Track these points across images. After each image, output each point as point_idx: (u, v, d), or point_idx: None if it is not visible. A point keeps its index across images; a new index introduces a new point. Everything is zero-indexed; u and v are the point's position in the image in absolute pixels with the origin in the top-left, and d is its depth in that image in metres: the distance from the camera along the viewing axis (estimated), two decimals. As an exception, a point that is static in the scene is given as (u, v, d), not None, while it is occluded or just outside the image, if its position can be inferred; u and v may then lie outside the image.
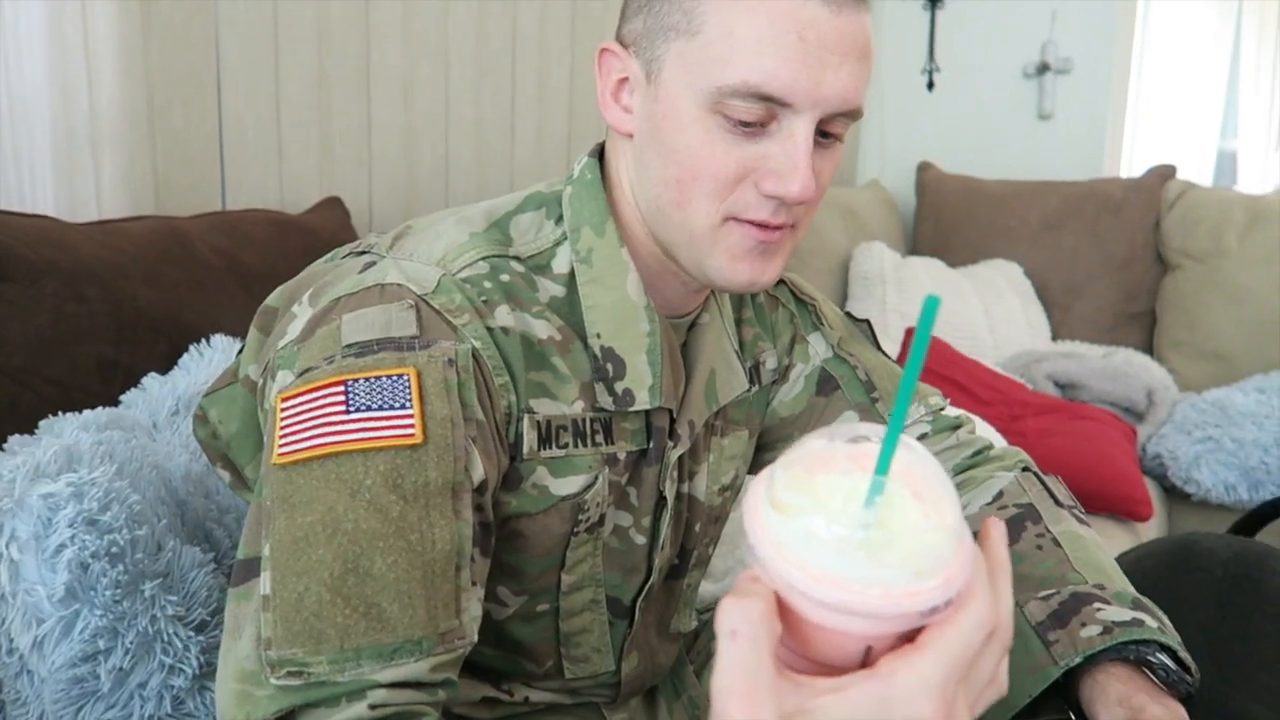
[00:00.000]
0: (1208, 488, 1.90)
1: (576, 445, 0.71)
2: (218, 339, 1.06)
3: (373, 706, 0.54)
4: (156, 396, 0.93)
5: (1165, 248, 2.45)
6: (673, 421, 0.77)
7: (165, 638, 0.71)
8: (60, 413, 0.88)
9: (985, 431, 1.56)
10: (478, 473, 0.61)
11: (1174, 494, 1.99)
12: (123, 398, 0.94)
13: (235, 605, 0.59)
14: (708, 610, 1.02)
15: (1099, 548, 0.79)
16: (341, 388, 0.59)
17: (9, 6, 1.18)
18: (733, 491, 0.87)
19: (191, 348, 1.05)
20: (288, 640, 0.54)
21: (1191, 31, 3.99)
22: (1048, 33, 2.74)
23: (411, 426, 0.59)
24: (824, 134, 0.68)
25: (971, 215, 2.65)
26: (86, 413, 0.83)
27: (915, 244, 2.75)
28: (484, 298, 0.67)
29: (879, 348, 0.94)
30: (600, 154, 0.76)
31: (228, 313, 1.18)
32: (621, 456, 0.74)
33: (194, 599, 0.74)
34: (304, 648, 0.54)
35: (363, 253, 0.73)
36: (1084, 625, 0.67)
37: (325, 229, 1.49)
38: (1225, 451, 1.90)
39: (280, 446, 0.59)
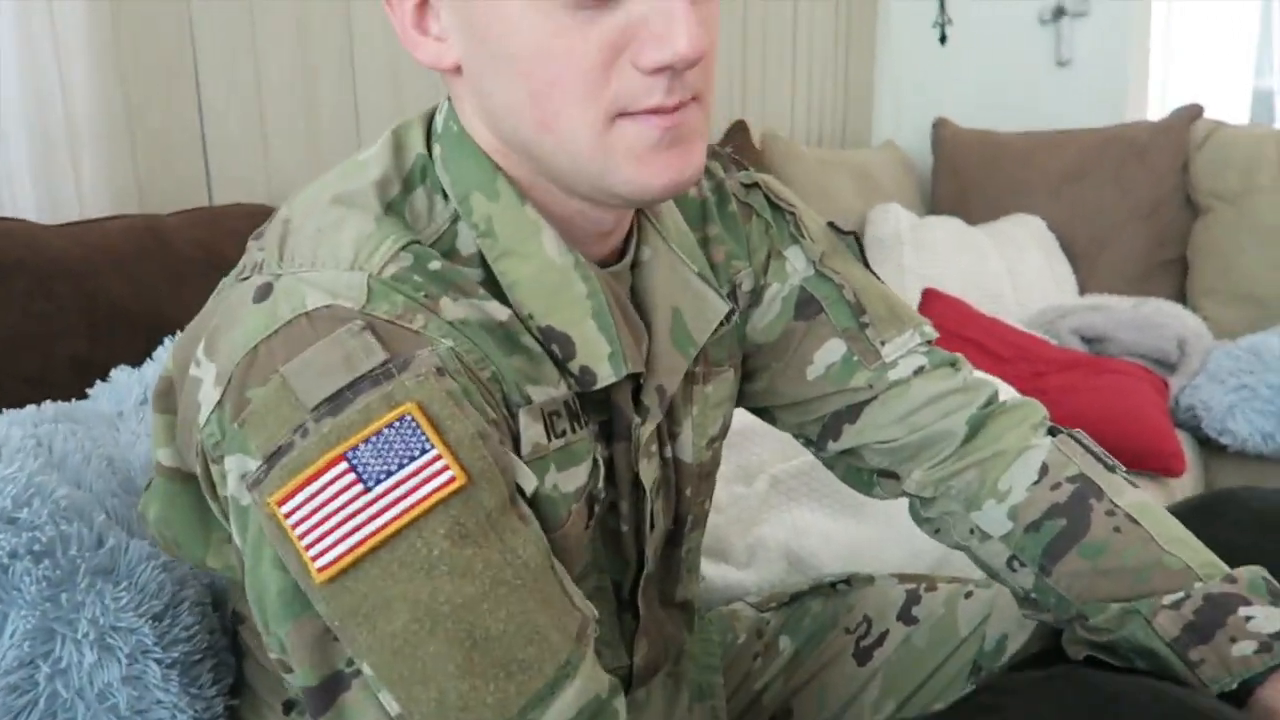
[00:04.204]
0: (1244, 438, 1.82)
1: (574, 429, 0.62)
2: (191, 330, 1.05)
3: None
4: (124, 386, 0.92)
5: (1195, 190, 2.35)
6: (637, 391, 0.67)
7: (115, 633, 0.69)
8: (30, 411, 0.87)
9: (1006, 393, 1.50)
10: (523, 472, 0.56)
11: (1209, 446, 1.91)
12: (90, 391, 0.93)
13: None
14: (764, 608, 0.96)
15: (1166, 513, 0.73)
16: (344, 464, 0.50)
17: (-28, 10, 1.17)
18: (721, 441, 0.79)
19: (166, 339, 1.04)
20: None
21: (1220, -33, 3.82)
22: (1062, -25, 2.65)
23: (447, 469, 0.51)
24: None
25: (991, 170, 2.57)
26: (30, 407, 0.82)
27: (934, 203, 2.68)
28: (423, 293, 0.56)
29: (867, 266, 0.82)
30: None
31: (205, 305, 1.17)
32: (595, 429, 0.65)
33: (145, 592, 0.72)
34: None
35: (248, 276, 0.59)
36: (1234, 640, 0.61)
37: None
38: (1261, 399, 1.81)
39: (315, 563, 0.50)
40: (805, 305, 0.78)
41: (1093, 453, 0.76)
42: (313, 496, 0.50)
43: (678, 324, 0.69)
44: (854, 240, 0.81)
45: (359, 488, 0.50)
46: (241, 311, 0.56)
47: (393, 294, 0.55)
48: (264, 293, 0.56)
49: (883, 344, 0.77)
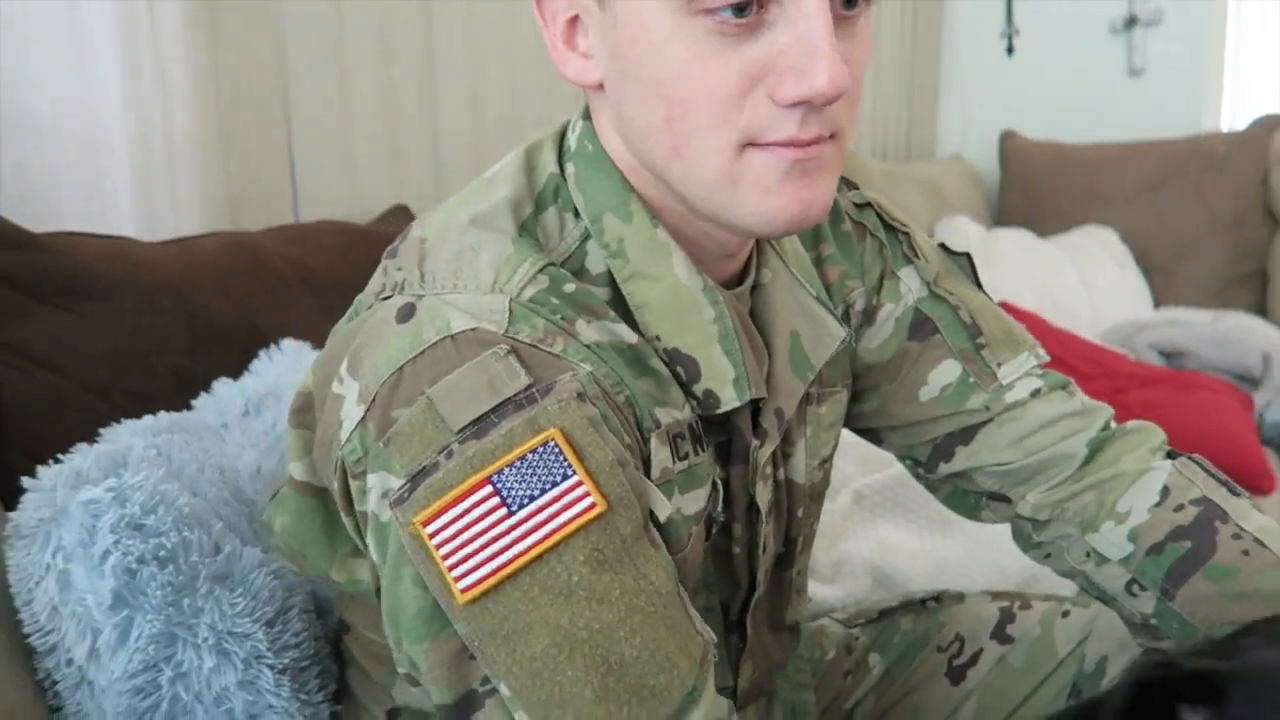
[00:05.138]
0: (1336, 455, 1.77)
1: (696, 452, 0.62)
2: (287, 343, 1.07)
3: None
4: (226, 398, 0.94)
5: (1276, 203, 2.29)
6: (756, 414, 0.67)
7: (231, 639, 0.71)
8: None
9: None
10: (657, 498, 0.57)
11: (1298, 464, 1.85)
12: (194, 402, 0.96)
13: None
14: (851, 623, 0.95)
15: None
16: (489, 487, 0.51)
17: (82, 33, 1.22)
18: (831, 461, 0.78)
19: (261, 353, 1.07)
20: None
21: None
22: (1133, -17, 2.61)
23: (588, 495, 0.52)
24: (847, 1, 0.55)
25: (1061, 182, 2.54)
26: (147, 418, 0.84)
27: (1002, 216, 2.65)
28: (559, 315, 0.57)
29: (980, 286, 0.80)
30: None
31: (299, 319, 1.20)
32: (713, 451, 0.66)
33: (258, 599, 0.74)
34: None
35: (389, 296, 0.61)
36: None
37: (393, 236, 1.50)
38: (1353, 415, 1.76)
39: (459, 583, 0.51)
40: (919, 326, 0.77)
41: (1215, 477, 0.75)
42: (458, 518, 0.52)
43: (795, 347, 0.69)
44: (967, 261, 0.80)
45: (503, 511, 0.51)
46: (385, 331, 0.57)
47: (533, 317, 0.56)
48: (407, 313, 0.57)
49: (999, 366, 0.76)
